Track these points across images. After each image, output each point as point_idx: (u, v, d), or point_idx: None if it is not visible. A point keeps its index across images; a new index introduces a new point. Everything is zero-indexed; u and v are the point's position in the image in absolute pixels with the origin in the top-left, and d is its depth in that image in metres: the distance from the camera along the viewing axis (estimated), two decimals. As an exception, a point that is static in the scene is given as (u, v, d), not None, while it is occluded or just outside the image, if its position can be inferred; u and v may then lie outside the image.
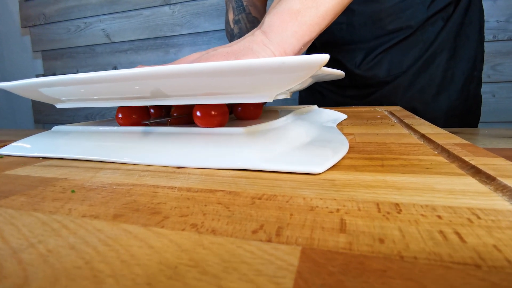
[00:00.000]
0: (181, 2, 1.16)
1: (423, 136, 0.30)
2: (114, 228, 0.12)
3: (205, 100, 0.23)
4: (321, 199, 0.15)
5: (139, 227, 0.12)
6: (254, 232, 0.11)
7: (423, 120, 0.38)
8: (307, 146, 0.23)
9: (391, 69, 0.60)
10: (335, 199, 0.14)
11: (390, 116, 0.45)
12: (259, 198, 0.15)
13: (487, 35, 1.00)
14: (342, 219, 0.12)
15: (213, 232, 0.12)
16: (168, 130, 0.24)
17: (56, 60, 1.37)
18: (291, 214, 0.13)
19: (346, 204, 0.14)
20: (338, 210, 0.13)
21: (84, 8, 1.28)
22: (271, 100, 0.21)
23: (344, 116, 0.42)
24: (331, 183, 0.17)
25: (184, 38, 1.18)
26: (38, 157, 0.27)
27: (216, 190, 0.16)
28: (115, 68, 1.29)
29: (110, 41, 1.26)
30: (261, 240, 0.11)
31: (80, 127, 0.28)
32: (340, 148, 0.23)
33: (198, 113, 0.23)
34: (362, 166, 0.20)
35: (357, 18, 0.60)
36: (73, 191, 0.17)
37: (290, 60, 0.16)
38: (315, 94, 0.71)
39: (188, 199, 0.15)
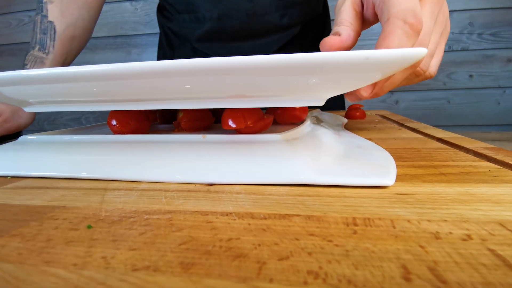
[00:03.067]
0: (144, -1, 1.08)
1: (440, 140, 0.29)
2: (200, 289, 0.08)
3: (236, 103, 0.19)
4: (429, 221, 0.12)
5: (236, 283, 0.08)
6: (407, 279, 0.08)
7: (422, 124, 0.38)
8: (350, 153, 0.21)
9: None
10: (446, 220, 0.12)
11: (386, 120, 0.45)
12: (355, 224, 0.12)
13: (442, 45, 1.09)
14: (491, 250, 0.10)
15: (354, 285, 0.08)
16: (186, 139, 0.20)
17: (-6, 58, 1.19)
18: (421, 246, 0.10)
19: (469, 228, 0.11)
20: (469, 237, 0.11)
21: (28, 0, 1.13)
22: (322, 104, 0.18)
23: (345, 120, 0.41)
24: (415, 199, 0.14)
25: (148, 38, 1.10)
26: (5, 176, 0.21)
27: (288, 215, 0.13)
28: (67, 68, 1.15)
29: (61, 39, 1.13)
30: (432, 293, 0.08)
31: (64, 137, 0.22)
32: (386, 155, 0.21)
33: (230, 121, 0.20)
34: (423, 176, 0.18)
35: (251, 5, 0.51)
36: (89, 227, 0.12)
37: (377, 55, 0.13)
38: None
39: (264, 230, 0.12)
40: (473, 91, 1.10)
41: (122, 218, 0.13)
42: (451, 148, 0.26)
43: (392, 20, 0.21)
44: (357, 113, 0.45)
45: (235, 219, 0.13)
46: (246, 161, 0.18)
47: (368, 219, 0.12)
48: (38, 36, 0.46)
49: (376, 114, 0.50)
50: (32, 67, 0.44)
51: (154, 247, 0.11)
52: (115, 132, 0.23)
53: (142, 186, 0.18)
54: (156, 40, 1.09)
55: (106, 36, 1.10)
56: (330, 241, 0.11)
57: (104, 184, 0.18)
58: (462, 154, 0.23)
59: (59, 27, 0.47)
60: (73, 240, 0.11)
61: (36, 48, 0.45)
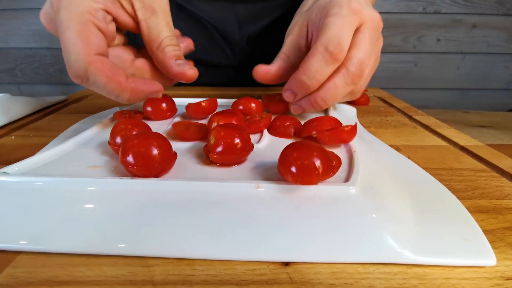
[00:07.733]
0: None
1: (464, 149, 0.29)
2: None
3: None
4: None
5: None
6: None
7: (431, 118, 0.38)
8: (418, 202, 0.18)
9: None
10: None
11: (390, 107, 0.43)
12: None
13: (417, 7, 1.07)
14: None
15: None
16: (237, 189, 0.16)
17: None
18: None
19: None
20: None
21: None
22: None
23: (354, 110, 0.38)
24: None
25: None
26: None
27: None
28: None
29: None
30: None
31: (62, 181, 0.16)
32: (458, 206, 0.18)
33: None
34: (501, 233, 0.17)
35: None
36: None
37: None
38: None
39: None
40: (438, 56, 1.13)
41: None
42: (487, 168, 0.25)
43: (316, 44, 0.23)
44: (362, 99, 0.43)
45: None
46: (324, 227, 0.15)
47: None
48: None
49: (374, 96, 0.48)
50: None
51: None
52: (133, 174, 0.17)
53: (198, 269, 0.14)
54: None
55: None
56: None
57: (143, 269, 0.14)
58: (506, 182, 0.23)
59: None
60: None
61: None
